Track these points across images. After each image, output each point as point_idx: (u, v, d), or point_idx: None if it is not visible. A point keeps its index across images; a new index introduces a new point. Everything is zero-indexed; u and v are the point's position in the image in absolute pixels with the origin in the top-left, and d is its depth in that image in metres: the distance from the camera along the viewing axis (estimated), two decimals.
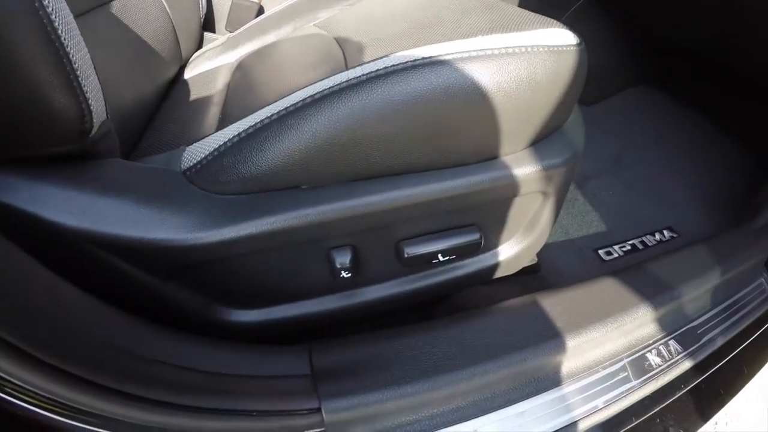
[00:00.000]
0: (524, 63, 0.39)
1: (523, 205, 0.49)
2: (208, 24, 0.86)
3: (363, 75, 0.37)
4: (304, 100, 0.38)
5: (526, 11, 0.51)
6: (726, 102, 1.11)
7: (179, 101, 0.65)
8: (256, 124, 0.38)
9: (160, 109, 0.65)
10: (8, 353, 0.27)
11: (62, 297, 0.35)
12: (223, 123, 0.51)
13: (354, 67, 0.40)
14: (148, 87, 0.63)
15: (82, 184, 0.38)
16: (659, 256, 0.62)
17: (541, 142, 0.46)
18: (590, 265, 0.77)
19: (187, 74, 0.76)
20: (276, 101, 0.42)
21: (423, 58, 0.37)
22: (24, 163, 0.38)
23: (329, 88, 0.38)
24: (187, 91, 0.68)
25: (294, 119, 0.37)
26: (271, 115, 0.38)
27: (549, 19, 0.48)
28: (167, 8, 0.71)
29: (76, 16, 0.35)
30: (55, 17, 0.32)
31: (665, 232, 0.87)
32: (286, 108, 0.38)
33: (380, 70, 0.37)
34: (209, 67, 0.75)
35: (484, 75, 0.38)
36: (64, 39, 0.33)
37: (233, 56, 0.75)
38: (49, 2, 0.31)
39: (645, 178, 1.01)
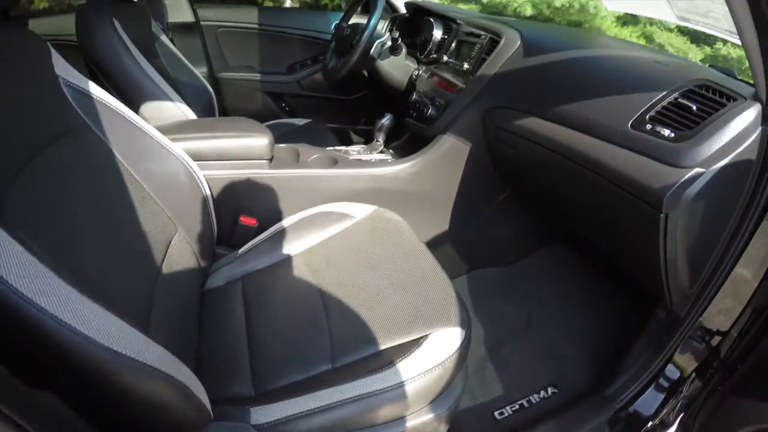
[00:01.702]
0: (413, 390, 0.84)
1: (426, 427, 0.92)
2: (219, 239, 1.28)
3: (343, 399, 0.82)
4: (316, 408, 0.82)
5: (444, 288, 0.96)
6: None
7: (213, 326, 1.02)
8: (297, 413, 0.81)
9: (202, 336, 1.01)
10: None
11: None
12: (253, 357, 0.92)
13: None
14: (195, 317, 1.04)
15: None
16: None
17: (434, 402, 0.89)
18: (486, 424, 1.17)
19: (209, 285, 1.13)
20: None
21: (363, 394, 0.82)
22: None
23: (333, 402, 0.82)
24: (215, 313, 1.05)
25: (317, 417, 0.81)
26: (303, 411, 0.81)
27: (452, 306, 0.92)
28: (189, 244, 1.09)
29: None
30: None
31: (549, 389, 1.23)
32: (312, 409, 0.81)
33: (349, 398, 0.82)
34: (225, 281, 1.12)
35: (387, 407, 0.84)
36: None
37: (241, 271, 1.13)
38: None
39: (547, 338, 1.39)
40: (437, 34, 1.75)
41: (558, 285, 1.59)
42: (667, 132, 0.92)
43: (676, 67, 1.12)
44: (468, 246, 1.65)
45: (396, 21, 2.14)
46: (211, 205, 1.18)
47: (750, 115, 0.86)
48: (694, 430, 0.97)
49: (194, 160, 1.14)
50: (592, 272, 1.59)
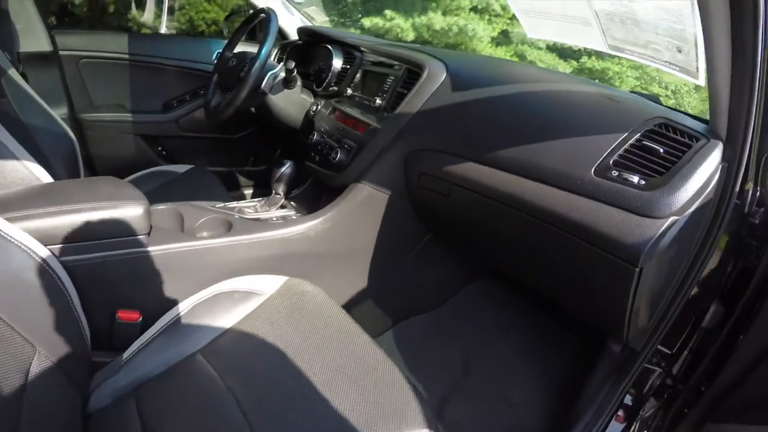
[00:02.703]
0: None
1: None
2: (95, 343, 1.05)
3: None
4: None
5: (394, 379, 0.84)
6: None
7: None
8: None
9: None
10: None
11: None
12: None
13: None
14: None
15: None
16: None
17: None
18: None
19: (92, 407, 0.91)
20: None
21: None
22: None
23: None
24: None
25: None
26: None
27: (412, 403, 0.81)
28: (55, 363, 0.85)
29: None
30: None
31: None
32: None
33: None
34: (113, 398, 0.91)
35: None
36: None
37: (131, 383, 0.92)
38: None
39: (493, 384, 1.34)
40: (337, 63, 1.61)
41: (490, 323, 1.54)
42: (635, 179, 0.87)
43: (629, 103, 1.09)
44: (391, 297, 1.54)
45: (287, 49, 1.97)
46: (78, 303, 0.96)
47: (716, 155, 0.85)
48: None
49: (46, 245, 0.93)
50: (524, 306, 1.56)
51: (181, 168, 1.81)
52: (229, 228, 1.23)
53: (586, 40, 1.13)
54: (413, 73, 1.36)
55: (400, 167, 1.32)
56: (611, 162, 0.91)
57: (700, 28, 0.78)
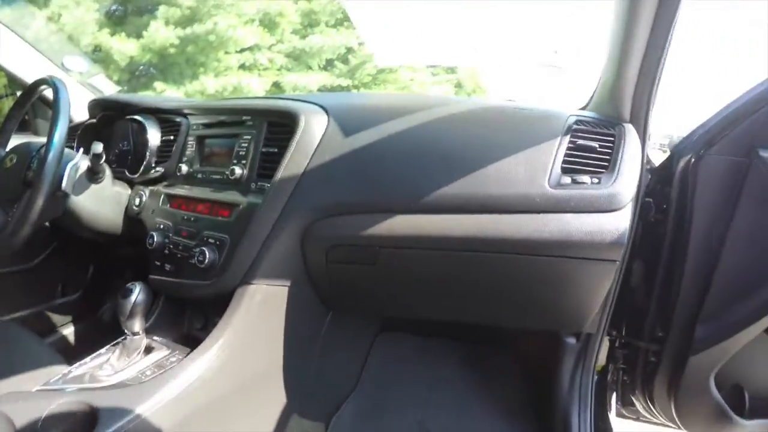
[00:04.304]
0: None
1: None
2: None
3: None
4: None
5: None
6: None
7: None
8: None
9: None
10: None
11: None
12: None
13: None
14: None
15: None
16: None
17: None
18: None
19: None
20: None
21: None
22: None
23: None
24: None
25: None
26: None
27: None
28: None
29: None
30: None
31: None
32: None
33: None
34: None
35: None
36: None
37: None
38: None
39: None
40: (154, 137, 1.29)
41: (421, 378, 1.46)
42: (587, 179, 0.91)
43: (537, 109, 1.09)
44: (312, 400, 1.28)
45: (77, 132, 1.55)
46: None
47: (636, 136, 0.97)
48: (656, 397, 1.11)
49: None
50: (440, 346, 1.53)
51: None
52: (92, 415, 0.84)
53: (449, 58, 1.46)
54: (279, 126, 1.10)
55: (297, 247, 1.05)
56: (560, 170, 0.93)
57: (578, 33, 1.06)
